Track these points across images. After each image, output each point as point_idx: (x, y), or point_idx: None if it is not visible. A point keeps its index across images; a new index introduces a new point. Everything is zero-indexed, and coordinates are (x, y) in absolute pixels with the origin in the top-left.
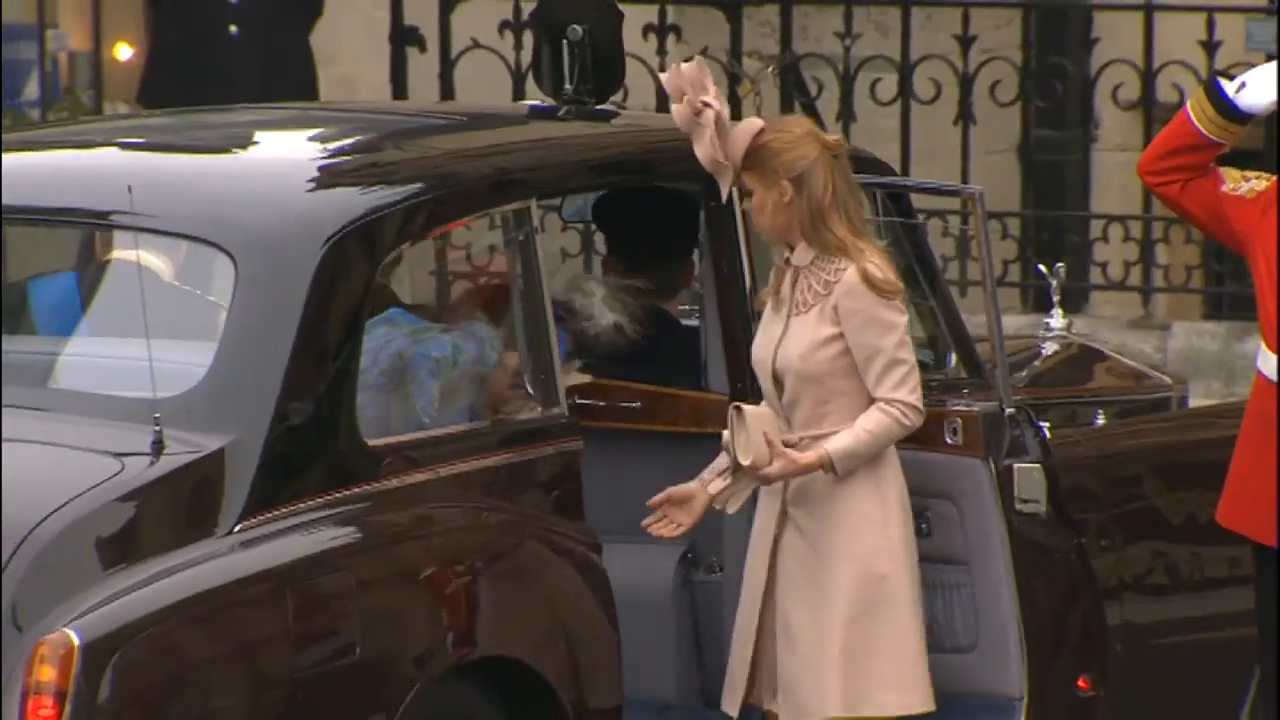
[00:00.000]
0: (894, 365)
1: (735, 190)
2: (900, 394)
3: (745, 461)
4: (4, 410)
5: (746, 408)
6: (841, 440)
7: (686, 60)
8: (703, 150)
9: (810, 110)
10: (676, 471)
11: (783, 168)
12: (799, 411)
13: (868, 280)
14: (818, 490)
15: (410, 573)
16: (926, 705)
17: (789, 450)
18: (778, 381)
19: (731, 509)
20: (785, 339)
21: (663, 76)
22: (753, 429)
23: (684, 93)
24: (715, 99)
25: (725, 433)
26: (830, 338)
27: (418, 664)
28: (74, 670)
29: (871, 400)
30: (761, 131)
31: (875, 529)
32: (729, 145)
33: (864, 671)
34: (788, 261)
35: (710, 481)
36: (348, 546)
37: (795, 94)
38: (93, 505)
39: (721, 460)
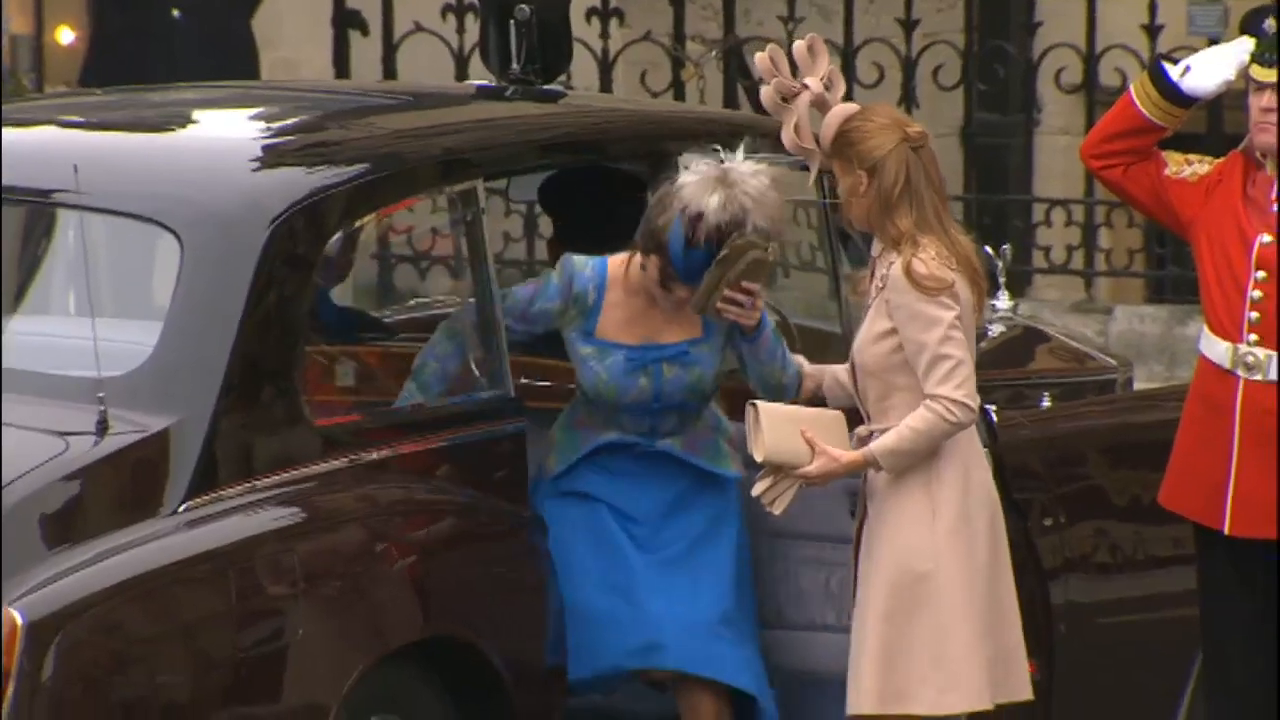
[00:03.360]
0: (938, 361)
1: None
2: (944, 389)
3: (759, 458)
4: None
5: (762, 404)
6: (887, 438)
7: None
8: (785, 135)
9: (753, 94)
10: None
11: (858, 157)
12: (869, 405)
13: (910, 274)
14: (878, 487)
15: (355, 553)
16: (968, 705)
17: (830, 448)
18: (854, 375)
19: (778, 510)
20: (859, 332)
21: (757, 56)
22: (768, 426)
23: (774, 74)
24: (818, 81)
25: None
26: (885, 332)
27: (362, 644)
28: (18, 649)
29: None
30: (850, 118)
31: (918, 527)
32: (822, 130)
33: (900, 669)
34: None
35: (755, 485)
36: (292, 527)
37: (738, 78)
38: (37, 484)
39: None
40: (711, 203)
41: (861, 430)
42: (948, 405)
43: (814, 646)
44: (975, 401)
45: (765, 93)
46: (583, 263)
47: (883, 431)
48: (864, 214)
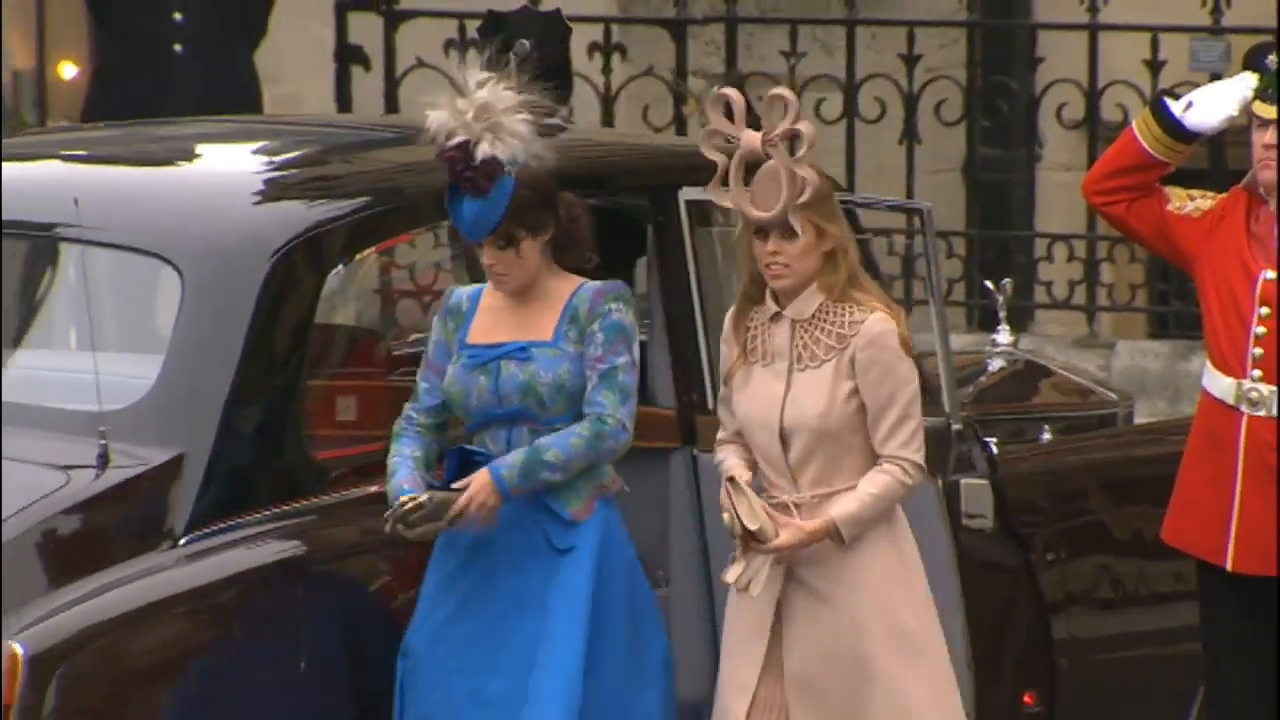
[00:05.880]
0: (905, 421)
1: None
2: (907, 452)
3: (754, 527)
4: None
5: (740, 481)
6: (847, 506)
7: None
8: (773, 189)
9: (756, 129)
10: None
11: (837, 213)
12: (809, 470)
13: (899, 334)
14: (833, 551)
15: (357, 586)
16: None
17: (792, 520)
18: (784, 441)
19: (755, 590)
20: (793, 395)
21: (778, 91)
22: (752, 498)
23: (774, 126)
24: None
25: (724, 514)
26: (851, 392)
27: (364, 678)
28: (19, 682)
29: (875, 455)
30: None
31: (899, 586)
32: (790, 183)
33: None
34: (778, 315)
35: (727, 572)
36: (293, 560)
37: None
38: (38, 518)
39: None
40: (432, 120)
41: (796, 497)
42: (905, 467)
43: None
44: (923, 463)
45: (750, 140)
46: (463, 286)
47: (825, 496)
48: (849, 271)
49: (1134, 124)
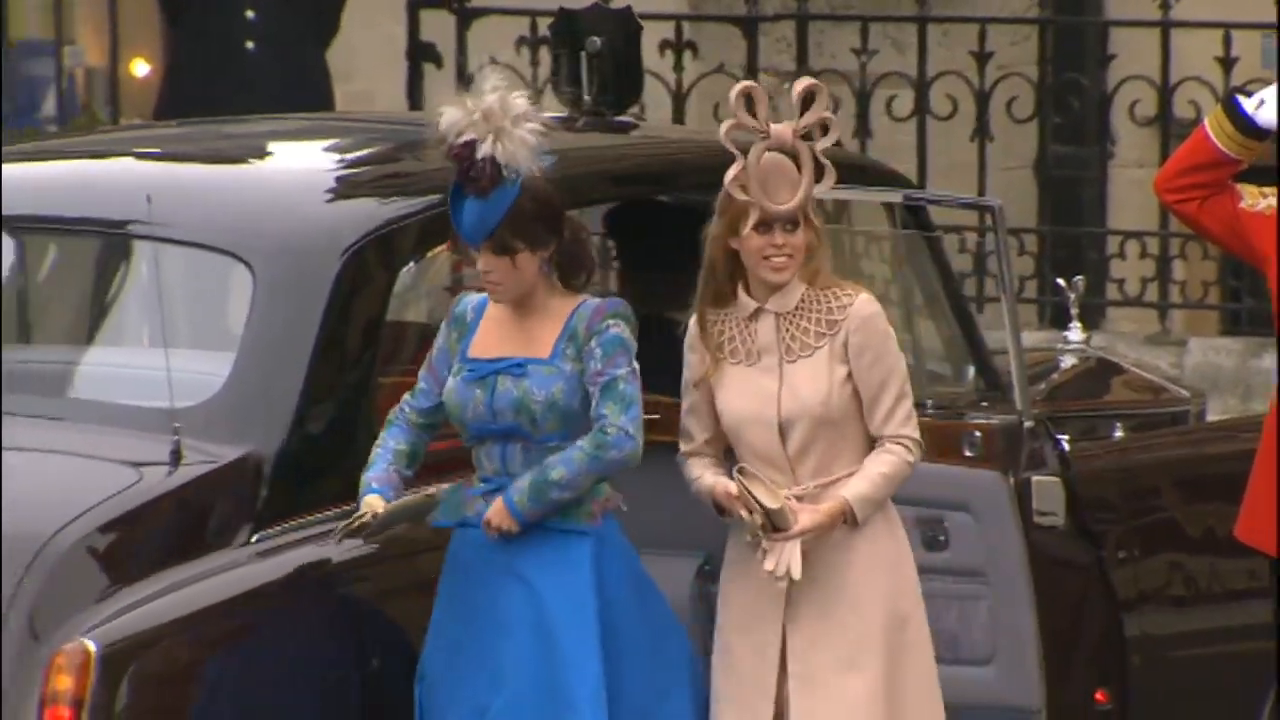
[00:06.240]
0: (902, 400)
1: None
2: (908, 429)
3: (777, 505)
4: (22, 421)
5: (750, 470)
6: (859, 487)
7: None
8: (785, 181)
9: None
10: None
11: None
12: (808, 461)
13: (884, 314)
14: (835, 535)
15: (428, 584)
16: None
17: (805, 505)
18: (783, 434)
19: (796, 574)
20: (789, 387)
21: (807, 81)
22: (765, 481)
23: (802, 116)
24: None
25: (740, 510)
26: (846, 377)
27: None
28: (90, 679)
29: (872, 438)
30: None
31: (894, 571)
32: (823, 172)
33: (900, 716)
34: (758, 312)
35: (762, 564)
36: (365, 557)
37: None
38: (110, 515)
39: None
40: (444, 118)
41: (796, 489)
42: (910, 444)
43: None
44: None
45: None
46: (472, 294)
47: (825, 485)
48: (825, 259)
49: (1206, 122)
